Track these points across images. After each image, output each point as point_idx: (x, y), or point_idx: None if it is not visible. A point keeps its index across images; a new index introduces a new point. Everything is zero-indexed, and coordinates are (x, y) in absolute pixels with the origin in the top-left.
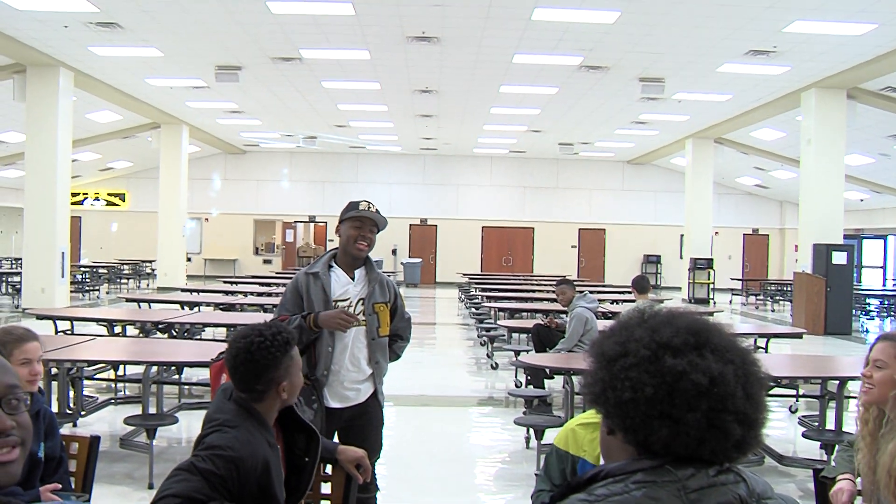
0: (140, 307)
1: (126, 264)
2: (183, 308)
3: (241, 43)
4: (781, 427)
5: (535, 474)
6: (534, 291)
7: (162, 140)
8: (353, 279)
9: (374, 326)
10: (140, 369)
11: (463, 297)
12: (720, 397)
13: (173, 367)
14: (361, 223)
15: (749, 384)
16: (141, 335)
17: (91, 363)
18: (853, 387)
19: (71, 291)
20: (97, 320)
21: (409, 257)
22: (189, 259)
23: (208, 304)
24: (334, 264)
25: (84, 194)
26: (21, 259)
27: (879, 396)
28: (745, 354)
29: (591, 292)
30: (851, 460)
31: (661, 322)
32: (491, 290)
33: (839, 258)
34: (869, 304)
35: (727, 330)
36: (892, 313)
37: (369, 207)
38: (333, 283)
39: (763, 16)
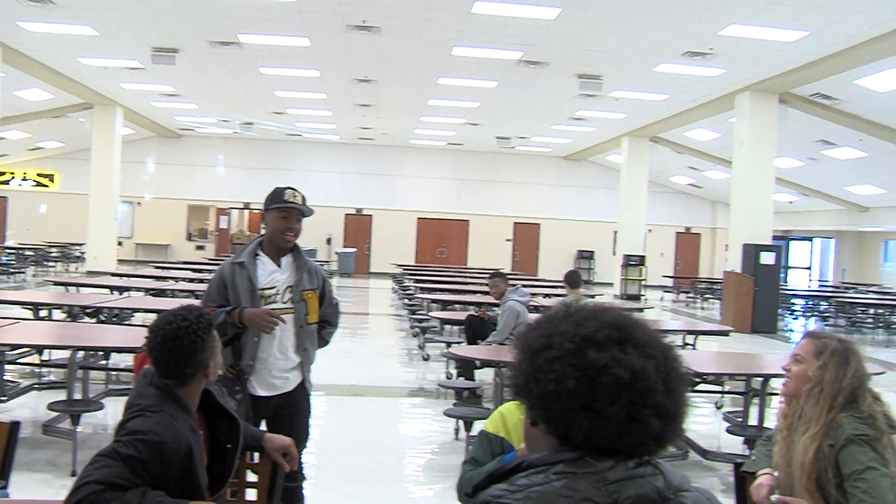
0: (68, 291)
1: (54, 247)
2: (112, 293)
3: (178, 25)
4: (707, 422)
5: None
6: (467, 284)
7: (94, 121)
8: (279, 266)
9: (302, 314)
10: (65, 354)
11: (397, 287)
12: (641, 392)
13: (100, 353)
14: (288, 214)
15: (670, 379)
16: (68, 319)
17: (14, 347)
18: (776, 384)
19: None
20: (22, 303)
21: (344, 247)
22: (120, 243)
23: (139, 289)
24: (261, 252)
25: (11, 174)
26: None
27: (794, 390)
28: (667, 350)
29: (524, 286)
30: (770, 454)
31: (585, 316)
32: (424, 281)
33: (767, 258)
34: (794, 303)
35: (650, 326)
36: (817, 313)
37: (294, 196)
38: (260, 272)
39: (701, 18)
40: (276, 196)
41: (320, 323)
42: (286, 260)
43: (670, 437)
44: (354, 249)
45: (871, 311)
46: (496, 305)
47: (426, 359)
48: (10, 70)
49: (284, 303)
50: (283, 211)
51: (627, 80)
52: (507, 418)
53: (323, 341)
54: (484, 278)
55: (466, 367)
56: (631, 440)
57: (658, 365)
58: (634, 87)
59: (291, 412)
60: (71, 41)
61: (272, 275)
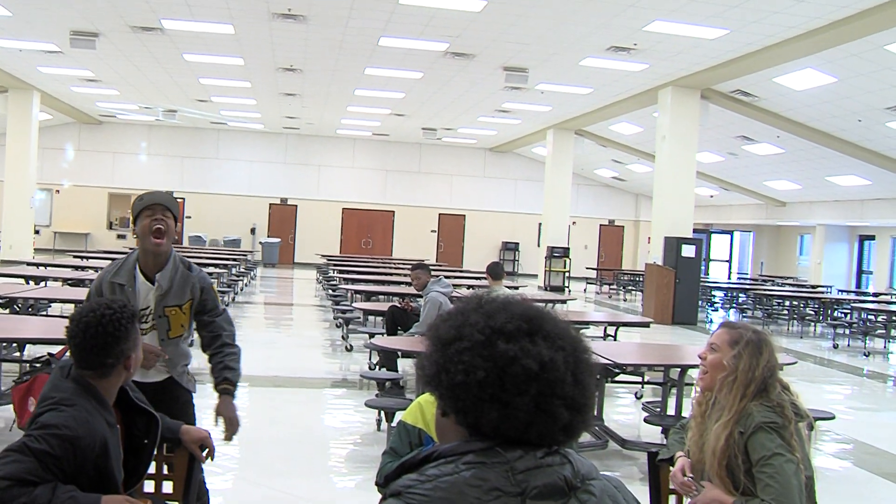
0: None
1: None
2: (28, 282)
3: (98, 8)
4: (627, 412)
5: (383, 454)
6: (392, 275)
7: (9, 106)
8: (153, 284)
9: (164, 329)
10: None
11: (321, 278)
12: (549, 382)
13: (14, 344)
14: (152, 210)
15: (579, 370)
16: None
17: None
18: (695, 374)
19: None
20: None
21: (268, 237)
22: (37, 232)
23: (56, 279)
24: (138, 271)
25: None
26: None
27: (711, 381)
28: (577, 342)
29: (448, 277)
30: (682, 441)
31: (496, 308)
32: (349, 272)
33: (688, 251)
34: (714, 295)
35: (560, 318)
36: (735, 305)
37: (156, 193)
38: (139, 293)
39: (625, 13)
40: (137, 200)
41: (212, 337)
42: (161, 276)
43: (578, 427)
44: (279, 239)
45: (787, 303)
46: (419, 297)
47: (349, 349)
48: None
49: (148, 322)
50: (147, 209)
51: (553, 74)
52: (426, 409)
53: (229, 354)
54: (408, 269)
55: (389, 357)
56: (539, 430)
57: (567, 356)
58: (560, 81)
59: (168, 400)
60: None
61: (146, 294)
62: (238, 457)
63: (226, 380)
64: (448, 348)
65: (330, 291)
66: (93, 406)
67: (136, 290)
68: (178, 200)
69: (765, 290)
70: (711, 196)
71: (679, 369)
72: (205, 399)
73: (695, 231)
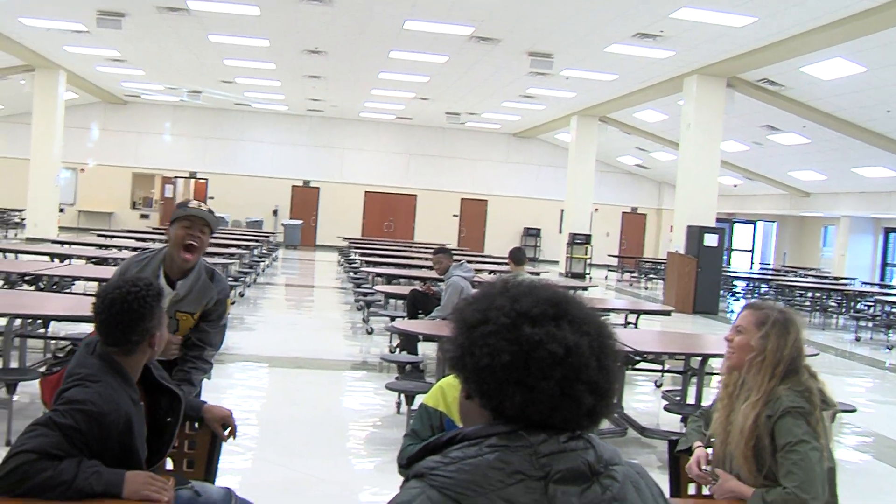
0: (6, 257)
1: None
2: (53, 260)
3: None
4: (647, 400)
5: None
6: (413, 258)
7: (36, 84)
8: (173, 290)
9: (171, 330)
10: (2, 322)
11: (342, 261)
12: (574, 367)
13: (39, 321)
14: (191, 223)
15: (603, 356)
16: (5, 287)
17: None
18: (715, 363)
19: None
20: None
21: (291, 219)
22: (62, 210)
23: (80, 257)
24: (162, 272)
25: None
26: None
27: (738, 361)
28: (601, 327)
29: (469, 262)
30: (701, 430)
31: (522, 292)
32: (370, 255)
33: (711, 240)
34: (736, 285)
35: (585, 303)
36: (757, 295)
37: (200, 206)
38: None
39: (652, 0)
40: (179, 206)
41: (191, 352)
42: (182, 284)
43: (602, 412)
44: (301, 221)
45: (810, 294)
46: (440, 281)
47: (370, 332)
48: None
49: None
50: (186, 220)
51: (578, 60)
52: (447, 392)
53: (197, 369)
54: (430, 253)
55: (409, 341)
56: (563, 415)
57: (592, 341)
58: (585, 67)
59: None
60: (11, 0)
61: (166, 298)
62: (258, 437)
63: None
64: (473, 331)
65: (351, 274)
66: (117, 382)
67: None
68: (202, 181)
69: (787, 280)
70: (735, 185)
71: (700, 358)
72: (224, 379)
73: (718, 220)
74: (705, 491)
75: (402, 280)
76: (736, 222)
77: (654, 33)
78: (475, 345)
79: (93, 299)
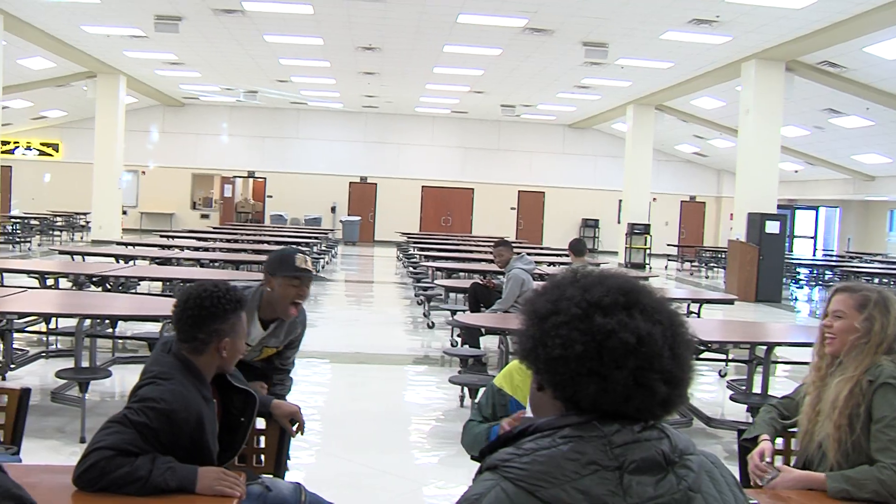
0: (73, 260)
1: (59, 216)
2: (118, 261)
3: None
4: (711, 390)
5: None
6: (472, 252)
7: (98, 90)
8: (264, 330)
9: (252, 356)
10: (72, 322)
11: (401, 256)
12: (647, 356)
13: (107, 321)
14: (300, 281)
15: (676, 345)
16: (74, 288)
17: (22, 315)
18: (780, 352)
19: (0, 243)
20: (28, 272)
21: (348, 215)
22: (125, 212)
23: (144, 258)
24: (257, 313)
25: (15, 143)
26: None
27: (840, 346)
28: (674, 316)
29: (528, 254)
30: (772, 423)
31: (592, 282)
32: (429, 249)
33: (772, 227)
34: (799, 273)
35: (657, 292)
36: (821, 282)
37: (306, 261)
38: (252, 331)
39: None
40: (286, 261)
41: (278, 375)
42: (276, 325)
43: (676, 401)
44: (359, 218)
45: (876, 280)
46: (501, 274)
47: (431, 326)
48: (12, 38)
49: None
50: (296, 279)
51: (633, 48)
52: (514, 375)
53: (283, 386)
54: (488, 246)
55: (471, 334)
56: (637, 404)
57: (664, 330)
58: (640, 55)
59: None
60: (73, 8)
61: (255, 335)
62: (321, 431)
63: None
64: (545, 322)
65: (410, 269)
66: (189, 380)
67: (253, 325)
68: (260, 180)
69: (853, 266)
70: (796, 171)
71: (765, 347)
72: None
73: (779, 207)
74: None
75: (461, 274)
76: (797, 208)
77: (710, 19)
78: (547, 336)
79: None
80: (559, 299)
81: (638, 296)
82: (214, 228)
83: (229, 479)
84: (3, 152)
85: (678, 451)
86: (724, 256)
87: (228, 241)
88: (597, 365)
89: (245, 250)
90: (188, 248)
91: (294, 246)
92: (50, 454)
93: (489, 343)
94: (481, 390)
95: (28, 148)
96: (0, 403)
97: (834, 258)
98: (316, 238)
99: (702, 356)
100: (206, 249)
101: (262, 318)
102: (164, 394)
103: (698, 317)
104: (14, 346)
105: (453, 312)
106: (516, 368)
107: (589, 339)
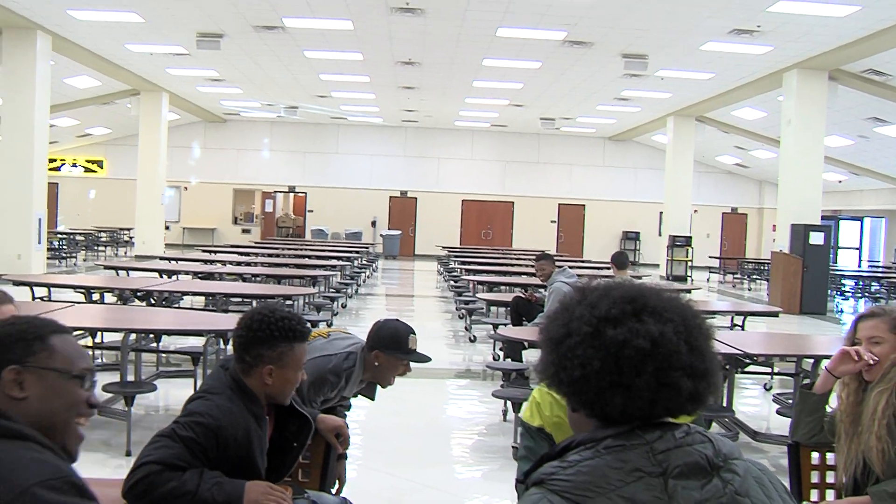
0: (118, 274)
1: (103, 232)
2: (161, 276)
3: (223, 10)
4: (756, 404)
5: (513, 447)
6: (513, 265)
7: (141, 107)
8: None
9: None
10: (118, 336)
11: (442, 269)
12: (665, 356)
13: (151, 335)
14: (407, 367)
15: (692, 338)
16: (119, 303)
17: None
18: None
19: (47, 258)
20: (74, 287)
21: (389, 229)
22: (167, 227)
23: (187, 273)
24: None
25: (61, 160)
26: None
27: (881, 370)
28: (685, 310)
29: (570, 267)
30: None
31: (598, 296)
32: (470, 263)
33: (816, 238)
34: (844, 284)
35: (664, 292)
36: (867, 294)
37: (416, 343)
38: (347, 387)
39: None
40: (400, 343)
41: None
42: (365, 385)
43: (705, 393)
44: (399, 232)
45: None
46: (543, 287)
47: (473, 340)
48: (60, 58)
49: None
50: (406, 366)
51: (673, 59)
52: (542, 403)
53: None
54: (529, 260)
55: (514, 348)
56: (666, 405)
57: (677, 326)
58: (680, 66)
59: None
60: (118, 28)
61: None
62: (363, 445)
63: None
64: (560, 346)
65: (451, 283)
66: (239, 397)
67: (350, 383)
68: (301, 194)
69: None
70: (840, 181)
71: (812, 360)
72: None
73: (823, 218)
74: (829, 496)
75: (503, 287)
76: (842, 219)
77: (750, 28)
78: (565, 359)
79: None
80: (570, 321)
81: (644, 300)
82: (256, 243)
83: (276, 494)
84: (50, 169)
85: (722, 456)
86: (766, 268)
87: (270, 255)
88: (617, 376)
89: (287, 265)
90: (230, 262)
91: (400, 320)
92: (96, 467)
93: (532, 357)
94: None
95: (74, 165)
96: None
97: (880, 269)
98: (357, 252)
99: (746, 369)
100: (248, 264)
101: (360, 379)
102: (212, 409)
103: (742, 329)
104: None
105: (495, 326)
106: (540, 395)
107: (604, 353)
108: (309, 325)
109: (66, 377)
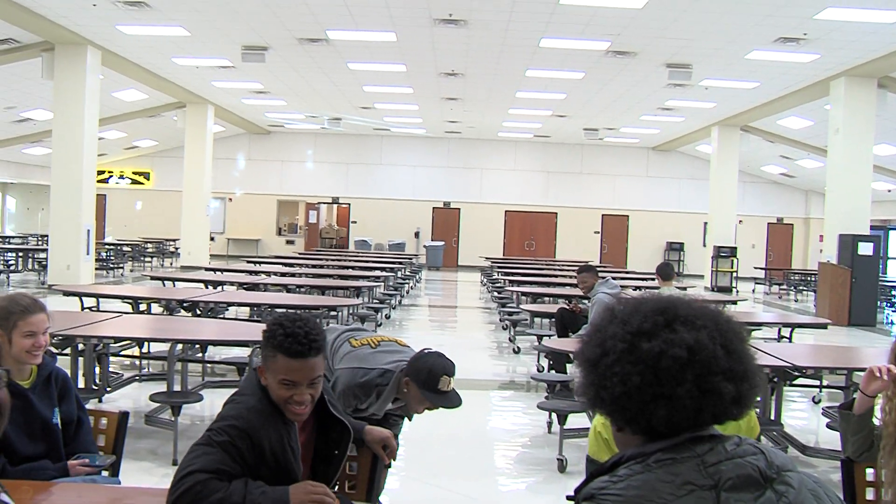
0: (164, 285)
1: (150, 243)
2: (206, 287)
3: (267, 23)
4: (804, 417)
5: (557, 459)
6: (556, 276)
7: (187, 119)
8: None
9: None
10: (164, 346)
11: (485, 280)
12: (703, 363)
13: (197, 346)
14: (433, 406)
15: (727, 341)
16: (165, 313)
17: (117, 340)
18: None
19: (95, 269)
20: (122, 297)
21: (432, 240)
22: (212, 238)
23: (231, 284)
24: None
25: (109, 172)
26: (47, 236)
27: None
28: (716, 316)
29: (613, 278)
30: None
31: (630, 312)
32: (513, 274)
33: (865, 249)
34: (894, 295)
35: (695, 301)
36: None
37: (449, 383)
38: (375, 405)
39: (794, 2)
40: (432, 380)
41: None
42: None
43: (748, 395)
44: (442, 243)
45: None
46: (586, 298)
47: (517, 352)
48: (109, 72)
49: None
50: (434, 406)
51: (718, 69)
52: (604, 433)
53: None
54: (573, 271)
55: (558, 360)
56: (711, 411)
57: (710, 332)
58: (725, 76)
59: None
60: (165, 42)
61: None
62: (406, 455)
63: None
64: (598, 366)
65: (495, 294)
66: (266, 397)
67: (383, 402)
68: (344, 205)
69: None
70: (889, 190)
71: (863, 373)
72: None
73: (871, 228)
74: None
75: (546, 298)
76: (891, 229)
77: (797, 37)
78: (604, 378)
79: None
80: (604, 340)
81: (675, 310)
82: (300, 254)
83: (319, 490)
84: (98, 181)
85: (775, 468)
86: (813, 279)
87: (314, 266)
88: (658, 388)
89: (331, 276)
90: (274, 273)
91: (443, 356)
92: (144, 476)
93: (575, 369)
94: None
95: (121, 177)
96: (100, 427)
97: None
98: (400, 263)
99: (795, 382)
100: (292, 275)
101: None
102: (241, 411)
103: (790, 341)
104: (109, 369)
105: (539, 338)
106: (601, 426)
107: (642, 367)
108: (308, 347)
109: None
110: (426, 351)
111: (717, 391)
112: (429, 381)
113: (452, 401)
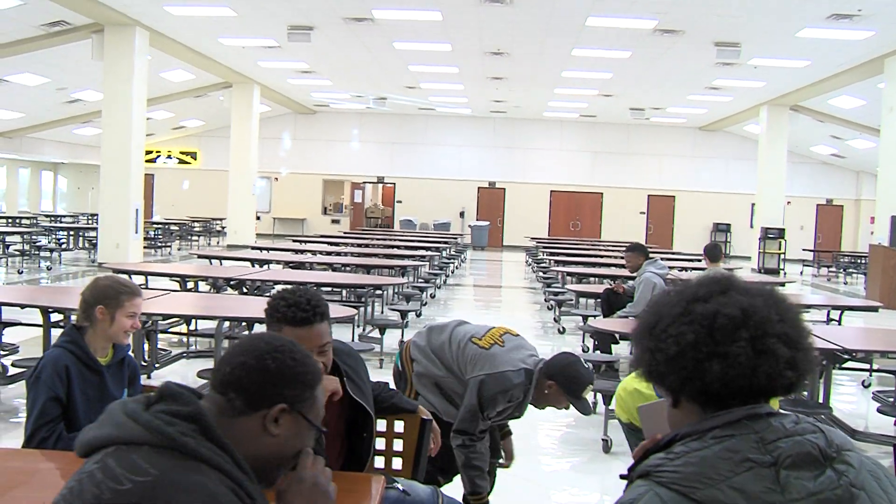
0: (211, 263)
1: (197, 222)
2: (253, 265)
3: (313, 3)
4: (853, 401)
5: (602, 439)
6: (602, 257)
7: (233, 99)
8: None
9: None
10: (212, 324)
11: (530, 260)
12: (758, 323)
13: (244, 323)
14: (567, 407)
15: (781, 310)
16: (212, 291)
17: (165, 317)
18: None
19: (144, 247)
20: (170, 276)
21: (477, 220)
22: (258, 217)
23: (278, 262)
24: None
25: (157, 152)
26: (97, 215)
27: None
28: (771, 291)
29: (660, 259)
30: None
31: (686, 285)
32: (559, 254)
33: None
34: None
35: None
36: None
37: (592, 392)
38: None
39: None
40: (578, 388)
41: None
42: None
43: (803, 362)
44: (487, 223)
45: None
46: (631, 278)
47: (562, 332)
48: (157, 53)
49: None
50: (568, 406)
51: (767, 47)
52: (626, 399)
53: None
54: (619, 251)
55: (604, 340)
56: (765, 370)
57: (765, 300)
58: (774, 54)
59: None
60: (211, 22)
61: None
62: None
63: None
64: (653, 331)
65: (540, 274)
66: None
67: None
68: (390, 185)
69: None
70: None
71: None
72: None
73: None
74: None
75: (591, 279)
76: None
77: (850, 13)
78: (659, 341)
79: None
80: (660, 308)
81: (731, 282)
82: (345, 233)
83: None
84: (146, 161)
85: (835, 447)
86: (864, 262)
87: (359, 245)
88: (713, 346)
89: (376, 255)
90: (320, 252)
91: (585, 365)
92: None
93: (621, 349)
94: (615, 398)
95: (169, 157)
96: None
97: None
98: (445, 243)
99: (844, 366)
100: (338, 254)
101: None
102: None
103: (839, 324)
104: (158, 346)
105: (585, 318)
106: (624, 391)
107: (697, 326)
108: (313, 313)
109: (312, 431)
110: (566, 353)
111: (771, 352)
112: (576, 390)
113: (587, 408)
